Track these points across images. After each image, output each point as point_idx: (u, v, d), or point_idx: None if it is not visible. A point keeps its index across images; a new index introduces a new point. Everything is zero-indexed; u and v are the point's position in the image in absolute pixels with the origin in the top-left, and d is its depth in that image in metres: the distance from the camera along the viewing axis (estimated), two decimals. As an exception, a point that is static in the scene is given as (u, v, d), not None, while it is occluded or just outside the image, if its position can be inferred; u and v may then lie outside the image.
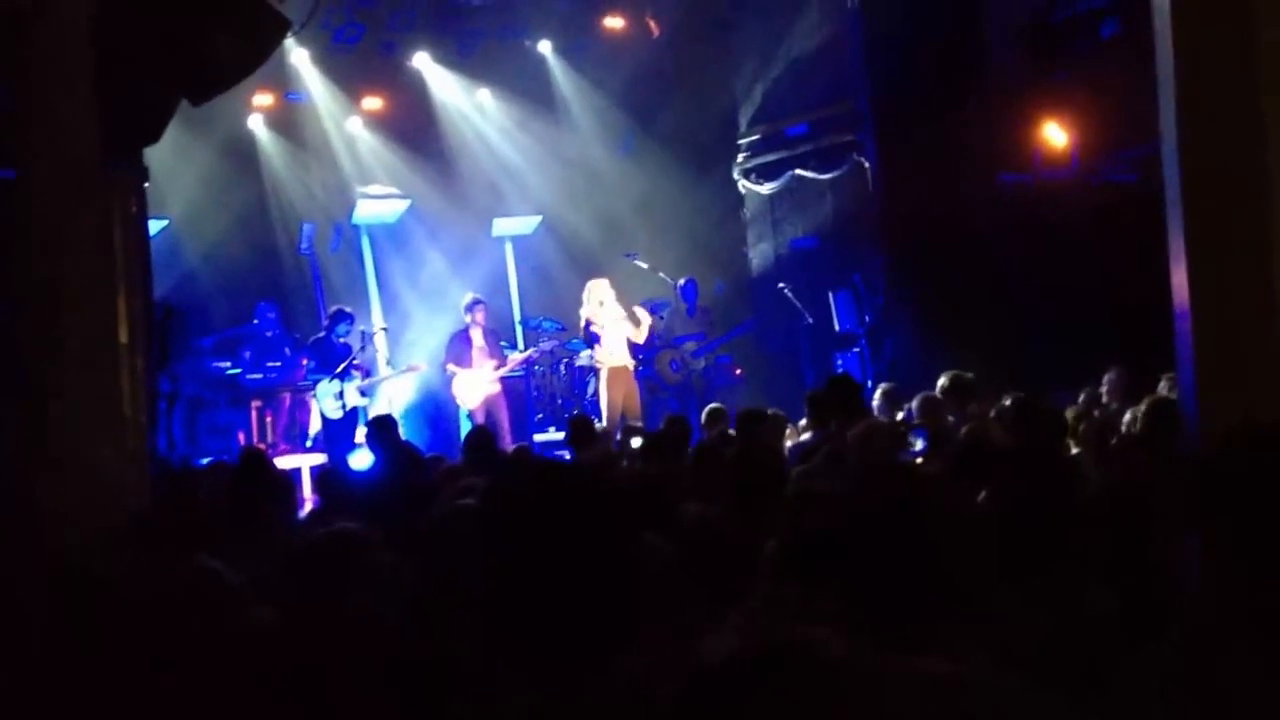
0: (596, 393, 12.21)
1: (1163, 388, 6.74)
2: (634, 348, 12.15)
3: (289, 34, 6.85)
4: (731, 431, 7.65)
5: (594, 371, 12.26)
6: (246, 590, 3.35)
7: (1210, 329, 3.40)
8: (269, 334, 12.46)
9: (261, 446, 11.69)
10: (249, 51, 6.08)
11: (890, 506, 2.61)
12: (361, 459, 10.61)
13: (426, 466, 6.82)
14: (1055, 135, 11.05)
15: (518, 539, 2.10)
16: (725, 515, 4.49)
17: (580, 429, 8.17)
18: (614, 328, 11.85)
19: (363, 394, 12.05)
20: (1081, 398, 7.65)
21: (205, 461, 10.71)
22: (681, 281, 13.19)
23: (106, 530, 4.07)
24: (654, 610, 2.42)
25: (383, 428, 7.55)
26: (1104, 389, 8.29)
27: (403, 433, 11.02)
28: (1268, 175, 3.25)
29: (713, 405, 9.29)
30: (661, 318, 13.12)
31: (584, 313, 12.02)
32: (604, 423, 11.21)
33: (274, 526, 5.20)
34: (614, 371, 11.72)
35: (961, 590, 2.68)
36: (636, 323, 12.21)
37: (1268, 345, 3.29)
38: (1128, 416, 5.80)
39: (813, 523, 2.99)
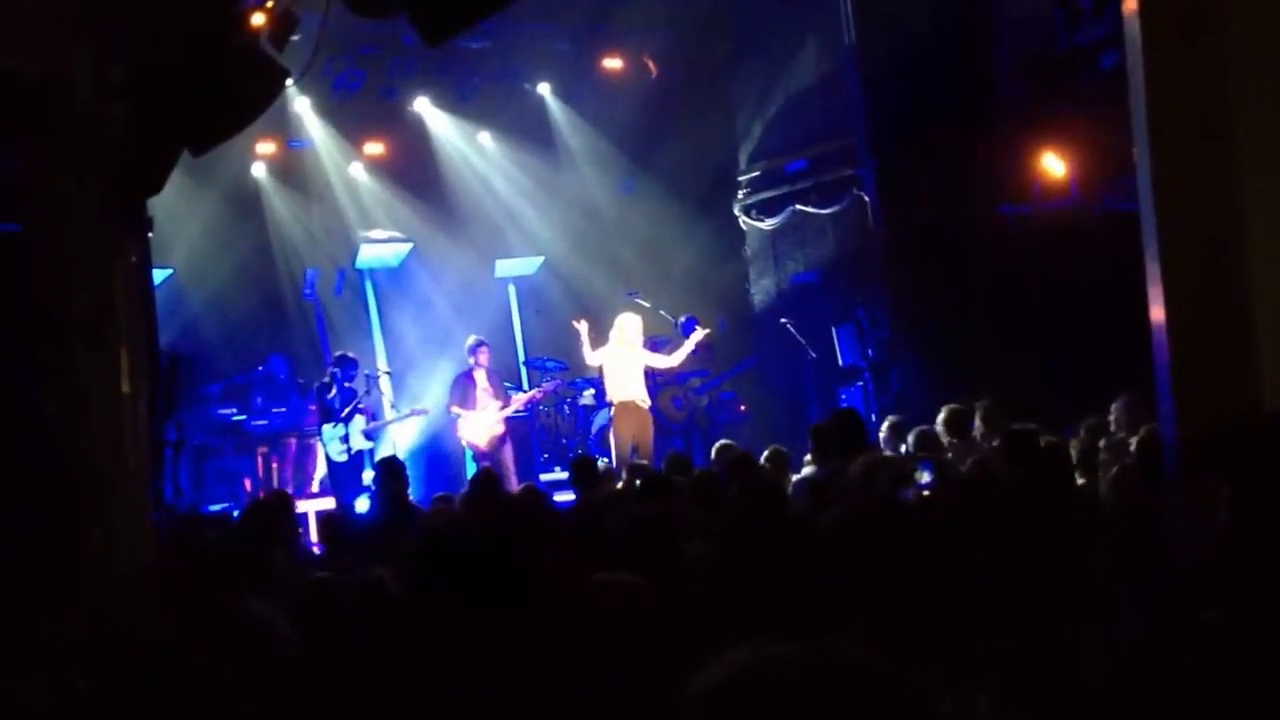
0: (604, 429, 12.18)
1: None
2: (649, 385, 12.06)
3: (287, 84, 6.92)
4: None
5: (607, 407, 12.17)
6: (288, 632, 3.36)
7: (1185, 350, 3.44)
8: (276, 380, 12.51)
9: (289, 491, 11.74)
10: (248, 102, 6.14)
11: (881, 546, 2.62)
12: (366, 503, 10.63)
13: (414, 513, 6.90)
14: (1054, 165, 11.08)
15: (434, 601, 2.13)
16: (725, 554, 4.49)
17: (582, 470, 8.16)
18: (625, 362, 11.75)
19: (368, 437, 12.07)
20: (1083, 430, 7.61)
21: (216, 508, 10.76)
22: (682, 319, 13.20)
23: (118, 578, 4.08)
24: (628, 654, 2.43)
25: (387, 471, 7.55)
26: (1112, 417, 8.25)
27: (409, 475, 11.07)
28: (1239, 204, 3.30)
29: (722, 442, 9.28)
30: (665, 355, 13.15)
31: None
32: (613, 460, 11.20)
33: (287, 571, 5.23)
34: (621, 407, 11.64)
35: (961, 627, 2.68)
36: (669, 351, 12.20)
37: (1239, 368, 3.32)
38: (1133, 446, 5.78)
39: (800, 562, 2.99)
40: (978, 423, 7.96)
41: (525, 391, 13.16)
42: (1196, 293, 3.48)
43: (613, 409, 11.66)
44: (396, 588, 3.52)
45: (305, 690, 3.03)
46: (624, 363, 11.66)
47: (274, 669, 3.15)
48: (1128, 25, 3.64)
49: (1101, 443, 7.58)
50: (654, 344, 13.03)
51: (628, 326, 11.77)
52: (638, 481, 7.78)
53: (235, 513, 9.86)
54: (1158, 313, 3.56)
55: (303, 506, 11.49)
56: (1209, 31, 3.31)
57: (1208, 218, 3.37)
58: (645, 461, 10.37)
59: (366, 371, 12.63)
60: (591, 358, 11.77)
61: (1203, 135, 3.31)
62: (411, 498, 9.62)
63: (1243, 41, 3.28)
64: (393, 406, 12.90)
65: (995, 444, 6.97)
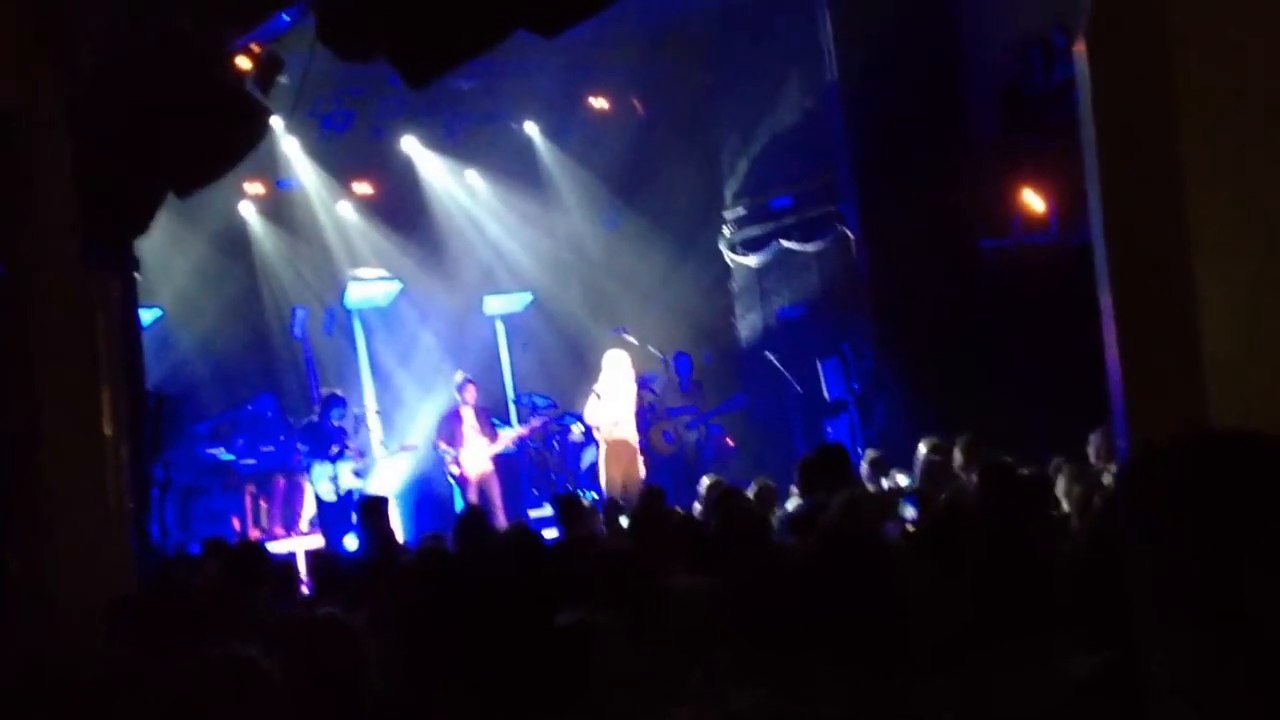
0: (595, 466, 12.23)
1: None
2: (638, 420, 12.18)
3: (275, 124, 7.01)
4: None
5: (594, 444, 12.24)
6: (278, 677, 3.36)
7: (1137, 385, 3.51)
8: (264, 419, 12.53)
9: (257, 533, 11.73)
10: (233, 145, 6.21)
11: (853, 579, 2.67)
12: (355, 541, 10.63)
13: (399, 551, 6.91)
14: (1033, 200, 11.21)
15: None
16: (707, 588, 4.52)
17: (567, 507, 8.20)
18: (618, 400, 11.81)
19: (357, 475, 12.09)
20: (1061, 463, 7.63)
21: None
22: (673, 355, 13.33)
23: (95, 620, 4.10)
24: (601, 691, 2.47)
25: (370, 510, 7.58)
26: (1091, 449, 8.30)
27: (398, 513, 11.07)
28: (1187, 237, 3.39)
29: (708, 477, 9.32)
30: (653, 391, 13.30)
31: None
32: (604, 498, 11.23)
33: (262, 612, 5.23)
34: (612, 445, 11.69)
35: (930, 658, 2.72)
36: (658, 386, 12.46)
37: (1190, 403, 3.40)
38: (1107, 479, 5.84)
39: (777, 592, 3.03)
40: (957, 455, 8.00)
41: (513, 428, 13.21)
42: (1147, 329, 3.57)
43: (603, 447, 11.71)
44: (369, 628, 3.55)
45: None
46: (618, 402, 11.75)
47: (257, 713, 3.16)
48: (1078, 64, 3.74)
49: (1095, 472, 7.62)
50: (642, 380, 13.17)
51: (620, 364, 11.87)
52: (621, 519, 7.83)
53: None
54: (1112, 351, 3.64)
55: (291, 545, 11.51)
56: (1156, 70, 3.40)
57: (1157, 252, 3.46)
58: (629, 499, 10.42)
59: (355, 410, 12.65)
60: (596, 415, 11.82)
61: (1151, 171, 3.40)
62: (401, 536, 9.66)
63: (1189, 78, 3.38)
64: (382, 445, 12.93)
65: (974, 477, 7.01)
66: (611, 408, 11.71)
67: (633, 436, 11.80)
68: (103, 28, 5.52)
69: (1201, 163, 3.33)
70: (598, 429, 11.88)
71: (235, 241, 13.85)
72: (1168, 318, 3.46)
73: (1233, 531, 1.65)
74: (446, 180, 14.77)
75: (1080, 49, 3.66)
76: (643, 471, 11.86)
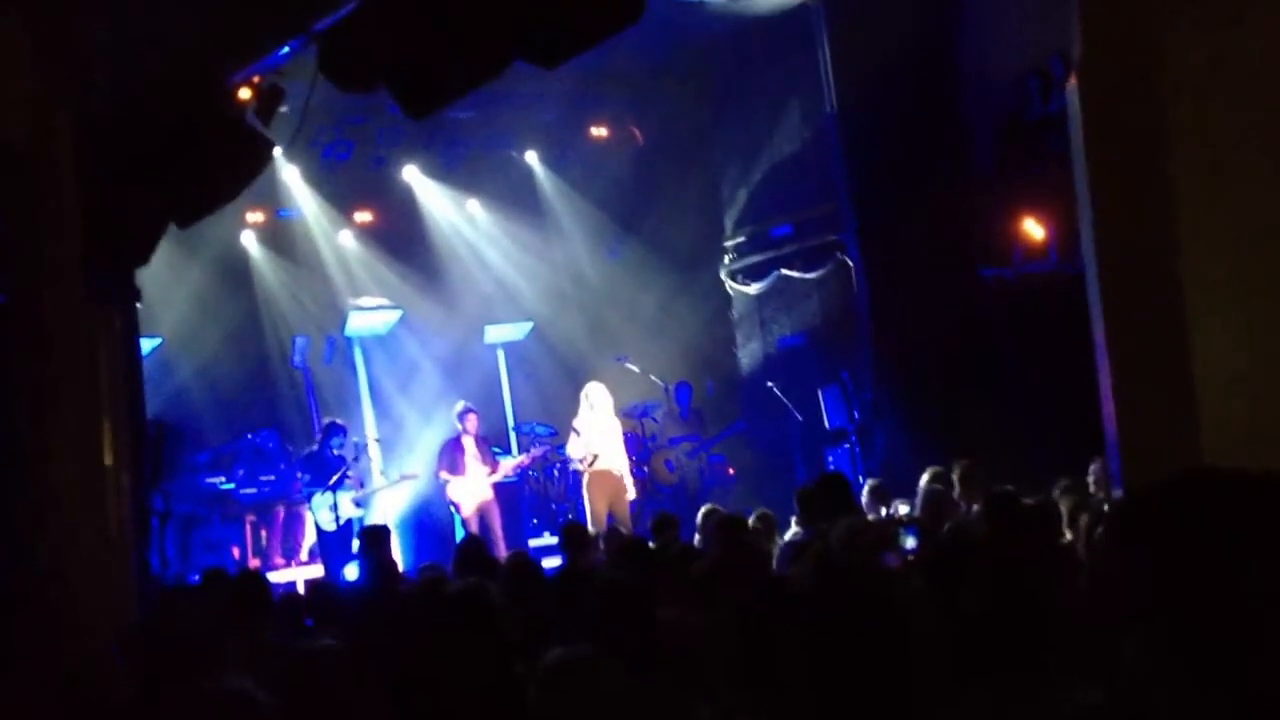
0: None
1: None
2: (629, 449, 12.17)
3: (276, 154, 7.04)
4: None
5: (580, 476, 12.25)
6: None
7: (1129, 415, 3.52)
8: (265, 450, 12.52)
9: (257, 562, 11.71)
10: (234, 175, 6.23)
11: (851, 608, 2.66)
12: (356, 571, 10.61)
13: (399, 580, 6.89)
14: (1033, 229, 11.24)
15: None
16: (703, 619, 4.51)
17: (573, 536, 8.17)
18: (600, 432, 11.82)
19: (357, 505, 12.07)
20: (1060, 492, 7.61)
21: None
22: (674, 384, 13.34)
23: (98, 650, 4.09)
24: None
25: (371, 539, 7.56)
26: (1091, 478, 8.28)
27: (398, 542, 11.05)
28: (1179, 268, 3.41)
29: (706, 507, 9.30)
30: (655, 420, 13.33)
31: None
32: (590, 529, 11.21)
33: (263, 642, 5.22)
34: (595, 476, 11.69)
35: (932, 690, 2.70)
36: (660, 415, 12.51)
37: (1181, 433, 3.40)
38: (1108, 509, 5.82)
39: (776, 624, 3.02)
40: (955, 484, 7.99)
41: (514, 457, 13.20)
42: (1139, 359, 3.58)
43: (586, 479, 11.73)
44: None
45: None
46: (599, 432, 11.74)
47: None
48: (1069, 97, 3.77)
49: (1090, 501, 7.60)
50: (644, 409, 13.21)
51: (594, 395, 11.88)
52: (617, 548, 7.80)
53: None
54: (1105, 380, 3.66)
55: (292, 575, 11.48)
56: (1147, 101, 3.43)
57: (1149, 283, 3.48)
58: (623, 528, 10.39)
59: (355, 439, 12.64)
60: (580, 450, 11.81)
61: (1143, 202, 3.43)
62: (401, 565, 9.62)
63: (1180, 109, 3.40)
64: (382, 473, 12.91)
65: (975, 506, 7.00)
66: (592, 440, 11.72)
67: (617, 466, 11.78)
68: (109, 63, 5.56)
69: (1193, 194, 3.35)
70: (579, 462, 11.88)
71: (236, 270, 13.88)
72: (1160, 347, 3.47)
73: (1223, 565, 1.66)
74: (447, 209, 14.82)
75: (1072, 83, 3.68)
76: (632, 493, 11.85)
